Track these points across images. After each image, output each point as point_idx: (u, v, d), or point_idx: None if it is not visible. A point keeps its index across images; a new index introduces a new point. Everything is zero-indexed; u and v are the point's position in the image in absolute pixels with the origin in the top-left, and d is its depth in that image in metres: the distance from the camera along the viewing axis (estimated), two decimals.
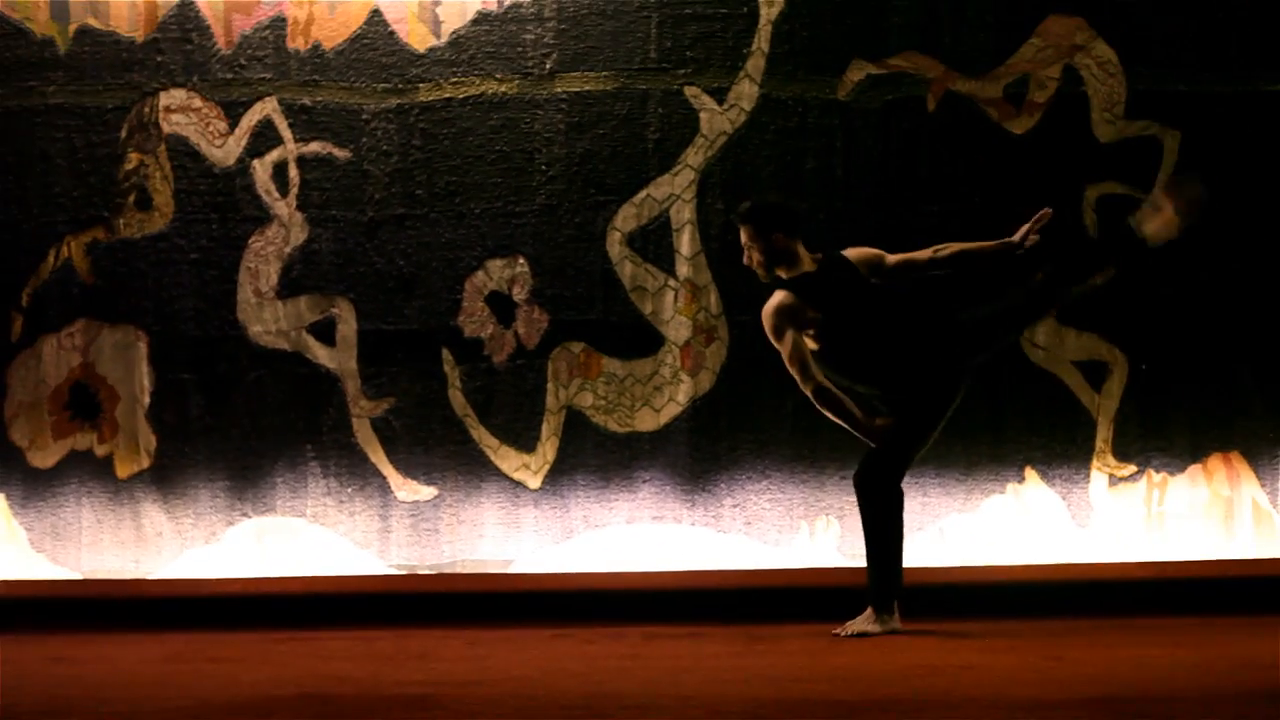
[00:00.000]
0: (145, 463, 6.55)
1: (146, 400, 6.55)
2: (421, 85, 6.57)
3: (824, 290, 5.51)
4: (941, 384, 5.49)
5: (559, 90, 6.53)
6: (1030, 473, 6.38)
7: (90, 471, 6.55)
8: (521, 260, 6.53)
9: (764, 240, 5.56)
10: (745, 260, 5.62)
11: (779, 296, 5.51)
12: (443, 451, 6.50)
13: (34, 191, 6.61)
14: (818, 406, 5.46)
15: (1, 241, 6.61)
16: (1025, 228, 5.59)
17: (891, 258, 5.65)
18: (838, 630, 5.47)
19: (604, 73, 6.53)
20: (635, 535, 6.43)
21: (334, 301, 6.56)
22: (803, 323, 5.47)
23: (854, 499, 5.53)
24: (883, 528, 5.44)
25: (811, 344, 5.49)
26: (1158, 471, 6.36)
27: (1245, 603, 5.89)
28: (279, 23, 6.59)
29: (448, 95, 6.56)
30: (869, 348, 5.50)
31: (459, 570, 6.44)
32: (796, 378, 5.46)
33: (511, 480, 6.48)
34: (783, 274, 5.57)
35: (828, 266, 5.59)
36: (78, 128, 6.61)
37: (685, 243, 6.47)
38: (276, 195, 6.57)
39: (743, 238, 5.62)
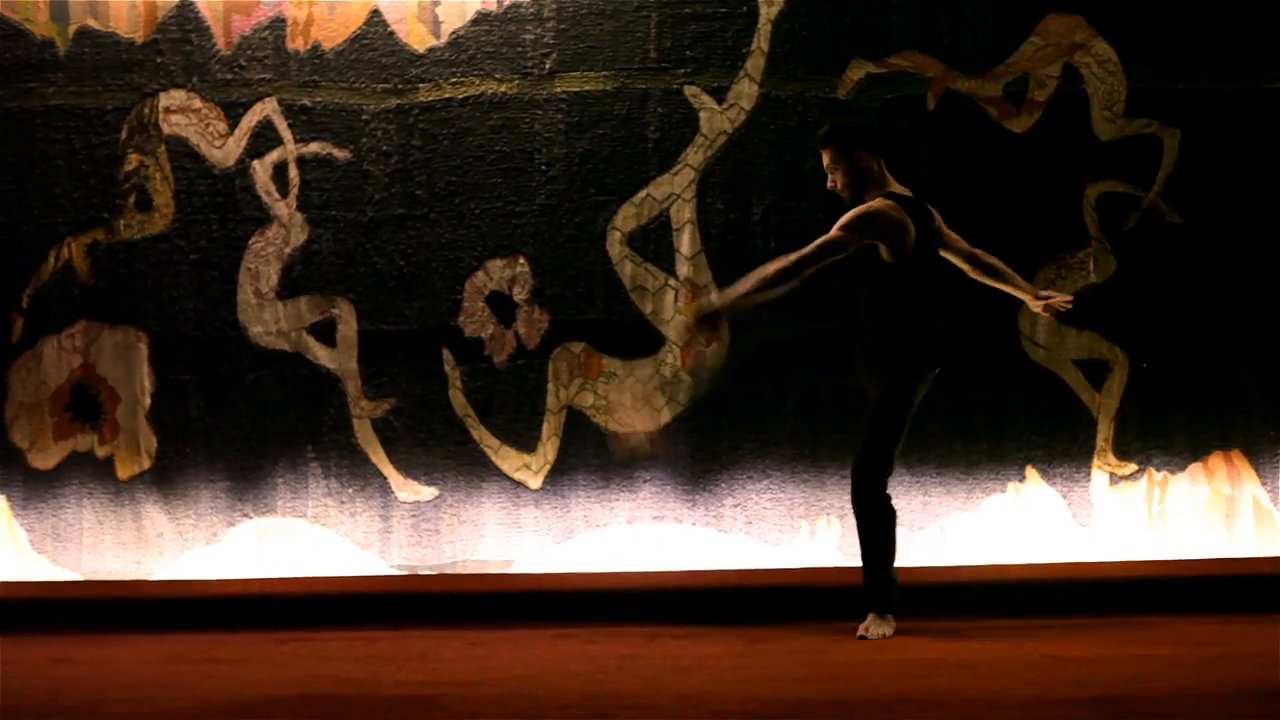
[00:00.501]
0: (146, 464, 6.55)
1: (147, 401, 6.55)
2: (421, 85, 6.57)
3: (919, 221, 5.38)
4: (904, 380, 5.41)
5: (559, 90, 6.53)
6: (1031, 471, 6.38)
7: (91, 473, 6.55)
8: (522, 260, 6.52)
9: (847, 160, 5.43)
10: (829, 185, 5.50)
11: (888, 202, 5.34)
12: (443, 452, 6.50)
13: (34, 192, 6.62)
14: (770, 271, 5.26)
15: (1, 242, 6.61)
16: (1049, 301, 5.58)
17: (945, 227, 5.62)
18: (862, 631, 5.39)
19: (604, 72, 6.53)
20: (636, 535, 6.42)
21: (334, 302, 6.56)
22: (896, 236, 5.29)
23: None
24: (877, 533, 5.38)
25: (886, 256, 5.32)
26: (1158, 470, 6.36)
27: (1246, 601, 5.88)
28: (278, 23, 6.59)
29: (447, 95, 6.56)
30: (922, 303, 5.38)
31: (460, 570, 6.44)
32: (801, 252, 5.26)
33: (512, 480, 6.48)
34: (871, 198, 5.41)
35: (920, 202, 5.46)
36: (78, 129, 6.61)
37: (685, 242, 6.47)
38: (276, 196, 6.57)
39: (825, 161, 5.49)
